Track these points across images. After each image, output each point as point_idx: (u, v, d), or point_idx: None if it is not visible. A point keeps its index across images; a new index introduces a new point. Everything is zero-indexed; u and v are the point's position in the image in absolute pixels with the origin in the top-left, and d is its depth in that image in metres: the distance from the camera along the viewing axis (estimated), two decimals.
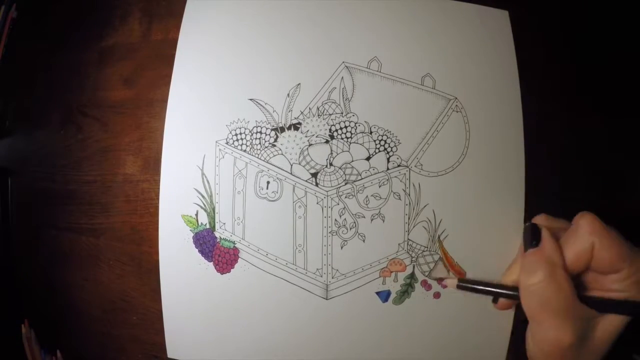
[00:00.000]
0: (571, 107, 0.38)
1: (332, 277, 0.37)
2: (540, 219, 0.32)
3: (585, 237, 0.28)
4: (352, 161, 0.37)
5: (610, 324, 0.28)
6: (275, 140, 0.38)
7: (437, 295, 0.37)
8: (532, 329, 0.29)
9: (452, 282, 0.34)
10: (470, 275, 0.37)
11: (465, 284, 0.33)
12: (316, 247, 0.37)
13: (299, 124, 0.38)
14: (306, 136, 0.37)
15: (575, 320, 0.27)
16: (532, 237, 0.30)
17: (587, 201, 0.37)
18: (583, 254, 0.28)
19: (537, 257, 0.29)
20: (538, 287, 0.28)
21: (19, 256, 0.48)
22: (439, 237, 0.37)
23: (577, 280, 0.29)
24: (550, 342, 0.27)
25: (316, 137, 0.37)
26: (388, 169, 0.37)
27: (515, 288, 0.30)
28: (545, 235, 0.30)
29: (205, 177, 0.38)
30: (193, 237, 0.38)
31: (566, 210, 0.31)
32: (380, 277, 0.37)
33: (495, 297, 0.34)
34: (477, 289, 0.33)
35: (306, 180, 0.37)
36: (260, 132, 0.38)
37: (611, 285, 0.28)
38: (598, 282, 0.29)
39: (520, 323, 0.36)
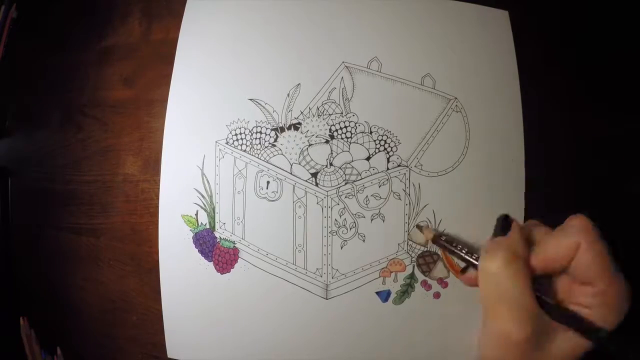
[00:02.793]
0: (571, 107, 0.38)
1: (332, 277, 0.37)
2: (528, 222, 0.32)
3: (574, 233, 0.26)
4: (352, 161, 0.37)
5: (567, 343, 0.26)
6: (275, 140, 0.38)
7: (437, 295, 0.37)
8: (484, 321, 0.28)
9: (428, 234, 0.35)
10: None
11: (441, 241, 0.34)
12: (316, 247, 0.37)
13: (299, 124, 0.38)
14: (306, 136, 0.37)
15: (528, 317, 0.26)
16: (502, 228, 0.30)
17: (587, 200, 0.37)
18: (566, 251, 0.26)
19: (501, 244, 0.28)
20: (495, 274, 0.27)
21: (19, 256, 0.48)
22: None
23: (549, 285, 0.28)
24: (499, 335, 0.26)
25: (316, 137, 0.37)
26: (388, 169, 0.37)
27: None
28: (514, 226, 0.29)
29: (205, 177, 0.38)
30: (193, 237, 0.38)
31: (566, 210, 0.31)
32: (380, 277, 0.37)
33: (465, 267, 0.33)
34: (448, 247, 0.33)
35: (306, 180, 0.37)
36: (260, 132, 0.38)
37: (580, 297, 0.27)
38: (568, 292, 0.28)
39: None
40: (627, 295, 0.26)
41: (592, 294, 0.26)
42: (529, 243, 0.28)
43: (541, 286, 0.28)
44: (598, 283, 0.26)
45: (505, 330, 0.26)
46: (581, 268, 0.26)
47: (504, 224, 0.30)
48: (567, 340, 0.26)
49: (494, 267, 0.27)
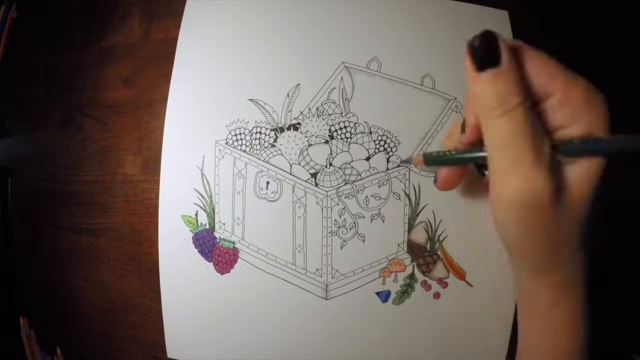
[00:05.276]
0: None
1: (332, 278, 0.37)
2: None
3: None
4: (352, 161, 0.37)
5: (582, 172, 0.23)
6: (275, 140, 0.38)
7: (437, 295, 0.37)
8: (500, 185, 0.24)
9: (417, 159, 0.31)
10: (470, 276, 0.37)
11: (431, 157, 0.29)
12: (316, 247, 0.37)
13: (299, 124, 0.38)
14: (306, 136, 0.37)
15: (549, 165, 0.22)
16: (486, 54, 0.24)
17: None
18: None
19: (501, 82, 0.23)
20: (512, 119, 0.22)
21: (19, 256, 0.48)
22: (439, 237, 0.37)
23: None
24: (526, 193, 0.22)
25: (316, 137, 0.37)
26: (388, 169, 0.37)
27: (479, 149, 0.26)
28: (506, 52, 0.23)
29: (205, 177, 0.38)
30: (193, 237, 0.38)
31: None
32: (380, 277, 0.37)
33: (459, 163, 0.29)
34: (444, 159, 0.29)
35: (306, 181, 0.37)
36: (260, 133, 0.38)
37: (554, 117, 0.23)
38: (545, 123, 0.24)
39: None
40: (599, 98, 0.23)
41: (557, 105, 0.23)
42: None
43: None
44: (554, 91, 0.23)
45: (533, 186, 0.22)
46: (531, 81, 0.23)
47: (488, 48, 0.25)
48: (580, 168, 0.23)
49: (509, 110, 0.23)
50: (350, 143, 0.37)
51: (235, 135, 0.38)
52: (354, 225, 0.37)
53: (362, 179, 0.37)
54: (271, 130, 0.38)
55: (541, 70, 0.24)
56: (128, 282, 0.41)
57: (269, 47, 0.39)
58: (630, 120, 0.38)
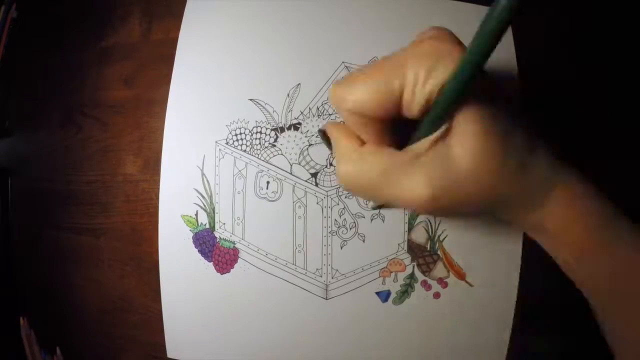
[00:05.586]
0: (571, 107, 0.38)
1: (332, 277, 0.37)
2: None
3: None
4: None
5: (461, 136, 0.23)
6: (275, 140, 0.38)
7: (437, 295, 0.37)
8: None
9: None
10: (471, 276, 0.37)
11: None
12: (316, 247, 0.37)
13: (299, 124, 0.38)
14: (306, 136, 0.37)
15: (413, 170, 0.23)
16: (327, 142, 0.28)
17: None
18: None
19: (338, 153, 0.26)
20: (350, 178, 0.25)
21: (19, 256, 0.48)
22: (439, 237, 0.37)
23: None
24: (411, 202, 0.23)
25: (316, 137, 0.37)
26: None
27: None
28: (330, 129, 0.27)
29: (205, 177, 0.38)
30: (193, 237, 0.38)
31: None
32: (380, 277, 0.37)
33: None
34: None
35: (306, 181, 0.37)
36: (260, 132, 0.38)
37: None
38: None
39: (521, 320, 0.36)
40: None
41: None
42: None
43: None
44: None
45: (410, 197, 0.23)
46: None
47: (325, 138, 0.27)
48: (459, 133, 0.23)
49: (344, 174, 0.25)
50: None
51: (236, 135, 0.38)
52: (354, 225, 0.37)
53: None
54: (271, 130, 0.38)
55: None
56: (128, 282, 0.41)
57: (269, 47, 0.39)
58: (630, 120, 0.38)
